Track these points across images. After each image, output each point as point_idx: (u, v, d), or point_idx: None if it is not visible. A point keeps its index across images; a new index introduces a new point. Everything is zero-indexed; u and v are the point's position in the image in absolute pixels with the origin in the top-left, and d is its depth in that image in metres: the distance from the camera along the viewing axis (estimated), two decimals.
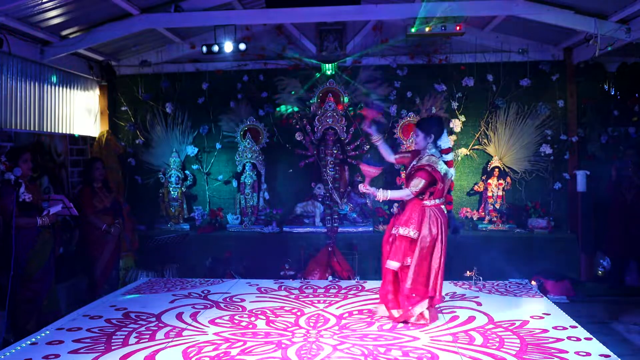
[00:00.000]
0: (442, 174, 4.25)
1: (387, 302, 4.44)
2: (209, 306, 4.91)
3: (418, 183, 4.26)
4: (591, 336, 3.95)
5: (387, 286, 4.45)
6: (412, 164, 4.45)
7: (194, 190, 7.91)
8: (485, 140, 7.47)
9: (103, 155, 7.36)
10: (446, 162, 4.33)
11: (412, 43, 7.37)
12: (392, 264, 4.36)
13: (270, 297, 5.23)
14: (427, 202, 4.31)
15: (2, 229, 4.75)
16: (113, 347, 3.88)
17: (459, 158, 7.47)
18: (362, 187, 4.39)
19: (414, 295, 4.28)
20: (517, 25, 6.83)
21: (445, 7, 5.92)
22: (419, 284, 4.27)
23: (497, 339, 3.96)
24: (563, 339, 3.92)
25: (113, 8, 6.00)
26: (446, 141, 4.42)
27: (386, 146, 4.66)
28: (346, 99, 7.44)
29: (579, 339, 3.91)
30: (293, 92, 7.57)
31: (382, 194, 4.31)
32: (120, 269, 6.90)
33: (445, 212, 4.40)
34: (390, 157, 4.59)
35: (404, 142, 7.28)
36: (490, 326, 4.27)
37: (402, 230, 4.30)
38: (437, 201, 4.33)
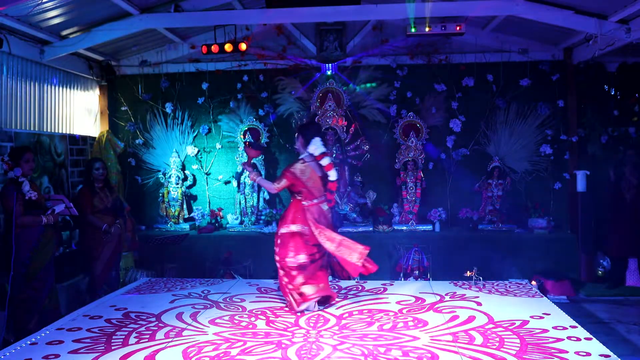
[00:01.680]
0: (297, 174, 4.65)
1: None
2: (209, 306, 4.91)
3: (281, 181, 4.72)
4: (591, 336, 3.95)
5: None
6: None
7: (194, 190, 7.91)
8: (485, 140, 7.47)
9: (103, 155, 7.37)
10: (324, 167, 4.74)
11: (412, 43, 7.38)
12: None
13: (270, 297, 5.23)
14: (304, 202, 4.73)
15: (4, 228, 4.76)
16: (113, 347, 3.88)
17: (459, 158, 7.47)
18: (244, 164, 5.02)
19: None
20: (517, 25, 6.84)
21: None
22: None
23: (497, 339, 3.96)
24: (563, 339, 3.92)
25: (113, 8, 6.00)
26: (316, 148, 4.72)
27: (264, 180, 5.10)
28: (346, 99, 7.44)
29: (579, 339, 3.91)
30: (293, 92, 7.57)
31: (254, 176, 4.88)
32: (121, 269, 6.90)
33: (326, 208, 4.83)
34: (272, 186, 4.81)
35: (404, 142, 7.28)
36: (490, 326, 4.27)
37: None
38: (315, 201, 4.73)
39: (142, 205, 7.73)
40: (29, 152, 5.02)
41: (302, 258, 4.65)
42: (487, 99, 7.50)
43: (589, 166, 7.20)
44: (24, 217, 4.80)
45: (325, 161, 4.76)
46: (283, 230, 4.75)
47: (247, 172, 4.94)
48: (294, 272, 4.66)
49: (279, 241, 4.80)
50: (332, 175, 4.81)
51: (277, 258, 4.79)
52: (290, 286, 4.69)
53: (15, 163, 4.92)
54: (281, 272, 4.76)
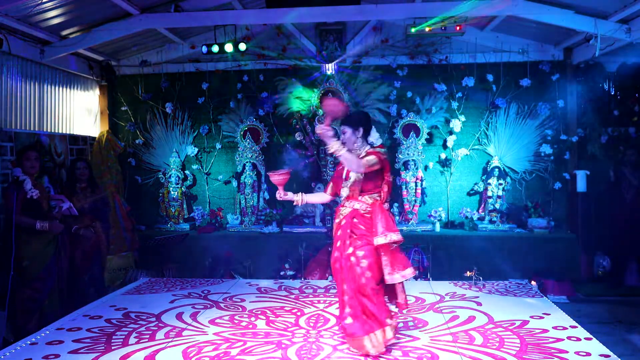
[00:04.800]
0: (387, 163, 3.81)
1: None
2: (209, 306, 4.91)
3: (370, 159, 3.71)
4: (591, 336, 3.96)
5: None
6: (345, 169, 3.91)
7: (194, 190, 7.91)
8: (485, 140, 7.47)
9: (103, 155, 7.36)
10: None
11: (412, 43, 7.38)
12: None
13: (270, 297, 5.24)
14: (386, 205, 3.87)
15: (4, 228, 4.76)
16: (113, 347, 3.88)
17: (459, 158, 7.47)
18: (278, 196, 3.99)
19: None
20: (517, 25, 6.84)
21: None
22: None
23: (497, 339, 3.97)
24: (563, 339, 3.92)
25: (113, 8, 6.00)
26: (376, 136, 4.02)
27: (291, 193, 4.05)
28: (346, 99, 7.44)
29: (579, 339, 3.92)
30: (293, 92, 7.58)
31: (339, 148, 3.65)
32: (120, 269, 6.91)
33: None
34: (324, 196, 4.09)
35: (404, 142, 7.28)
36: (490, 326, 4.27)
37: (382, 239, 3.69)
38: (387, 205, 3.90)
39: (142, 205, 7.72)
40: (31, 151, 5.03)
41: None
42: (487, 99, 7.50)
43: (589, 166, 7.19)
44: (21, 217, 4.80)
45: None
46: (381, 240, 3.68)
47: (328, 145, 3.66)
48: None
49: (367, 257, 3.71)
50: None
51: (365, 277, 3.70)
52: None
53: (18, 162, 4.94)
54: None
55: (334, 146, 3.64)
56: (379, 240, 3.66)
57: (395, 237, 3.66)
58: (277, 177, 3.87)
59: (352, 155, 3.70)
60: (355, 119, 3.89)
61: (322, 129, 3.65)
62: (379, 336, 3.67)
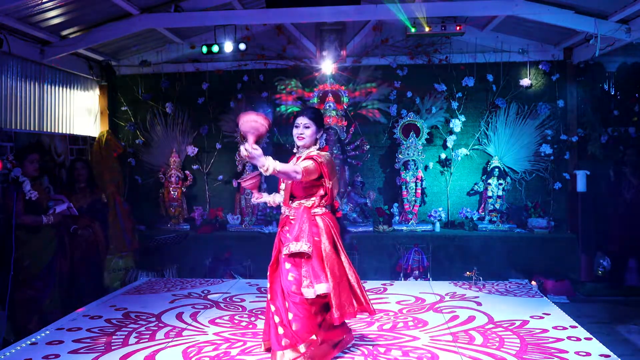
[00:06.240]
0: (327, 168, 3.48)
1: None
2: (209, 306, 4.91)
3: (308, 165, 3.40)
4: (591, 336, 3.96)
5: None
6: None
7: (194, 190, 7.91)
8: (485, 140, 7.47)
9: (103, 155, 7.36)
10: None
11: (412, 43, 7.38)
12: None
13: None
14: (317, 210, 3.56)
15: (4, 228, 4.76)
16: (113, 347, 3.88)
17: (459, 158, 7.47)
18: (254, 199, 3.83)
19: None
20: (517, 25, 6.84)
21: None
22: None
23: (497, 339, 3.96)
24: (563, 339, 3.92)
25: (113, 8, 6.00)
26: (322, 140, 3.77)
27: (266, 194, 3.89)
28: (346, 99, 7.44)
29: (579, 339, 3.91)
30: (293, 92, 7.58)
31: (268, 163, 3.14)
32: (120, 269, 6.90)
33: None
34: (295, 168, 3.37)
35: (404, 142, 7.28)
36: (490, 326, 4.27)
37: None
38: (328, 207, 3.63)
39: (142, 205, 7.72)
40: (33, 153, 5.04)
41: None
42: (487, 99, 7.50)
43: (589, 166, 7.19)
44: (25, 216, 4.81)
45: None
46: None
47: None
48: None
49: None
50: None
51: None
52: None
53: (19, 163, 4.94)
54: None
55: (268, 165, 3.12)
56: (284, 250, 3.47)
57: (294, 247, 3.38)
58: (249, 182, 3.67)
59: (289, 167, 3.31)
60: (319, 115, 3.65)
61: (248, 151, 3.06)
62: (288, 355, 3.34)
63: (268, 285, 3.65)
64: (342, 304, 3.45)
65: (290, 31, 7.57)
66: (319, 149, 3.63)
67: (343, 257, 3.58)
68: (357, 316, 3.75)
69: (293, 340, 3.37)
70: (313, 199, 3.56)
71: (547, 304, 4.87)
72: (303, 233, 3.43)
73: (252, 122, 3.17)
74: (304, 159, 3.49)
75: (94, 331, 4.23)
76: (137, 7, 6.15)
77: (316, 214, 3.55)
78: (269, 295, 3.60)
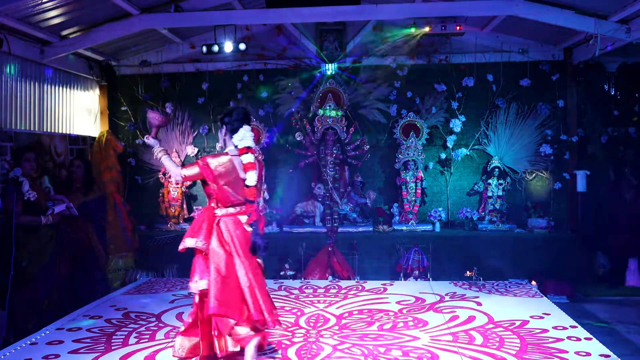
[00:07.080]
0: (212, 166, 3.53)
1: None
2: None
3: (192, 168, 3.58)
4: (591, 336, 3.96)
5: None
6: None
7: (194, 190, 7.91)
8: (485, 140, 7.47)
9: (103, 155, 7.36)
10: (244, 165, 3.61)
11: (412, 43, 7.37)
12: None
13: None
14: (217, 211, 3.63)
15: (4, 228, 4.76)
16: (113, 347, 3.88)
17: (459, 158, 7.47)
18: (146, 138, 3.79)
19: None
20: (517, 25, 6.83)
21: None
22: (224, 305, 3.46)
23: (497, 339, 3.97)
24: (563, 339, 3.92)
25: (113, 8, 6.00)
26: (242, 139, 3.66)
27: (171, 161, 3.75)
28: (346, 99, 7.44)
29: (579, 339, 3.92)
30: (293, 92, 7.58)
31: (160, 152, 3.67)
32: (121, 269, 6.90)
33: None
34: (178, 171, 3.62)
35: (404, 142, 7.28)
36: (490, 326, 4.28)
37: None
38: (231, 210, 3.63)
39: (142, 205, 7.71)
40: (30, 152, 5.03)
41: None
42: (487, 99, 7.50)
43: (589, 166, 7.19)
44: (24, 216, 4.81)
45: (247, 158, 3.61)
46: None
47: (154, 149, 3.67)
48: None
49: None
50: (250, 179, 3.59)
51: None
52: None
53: (16, 163, 4.93)
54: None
55: (158, 154, 3.67)
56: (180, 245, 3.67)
57: (188, 242, 3.61)
58: (154, 115, 3.74)
59: (171, 162, 3.66)
60: (222, 115, 3.75)
61: (146, 139, 3.77)
62: (182, 340, 3.54)
63: None
64: (224, 298, 3.44)
65: (290, 31, 7.56)
66: (236, 149, 3.65)
67: (237, 260, 3.55)
68: (249, 331, 3.50)
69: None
70: (214, 200, 3.66)
71: (547, 304, 4.88)
72: (198, 230, 3.60)
73: (152, 119, 3.75)
74: (194, 162, 3.61)
75: (94, 331, 4.23)
76: (137, 7, 6.15)
77: (217, 215, 3.64)
78: None
